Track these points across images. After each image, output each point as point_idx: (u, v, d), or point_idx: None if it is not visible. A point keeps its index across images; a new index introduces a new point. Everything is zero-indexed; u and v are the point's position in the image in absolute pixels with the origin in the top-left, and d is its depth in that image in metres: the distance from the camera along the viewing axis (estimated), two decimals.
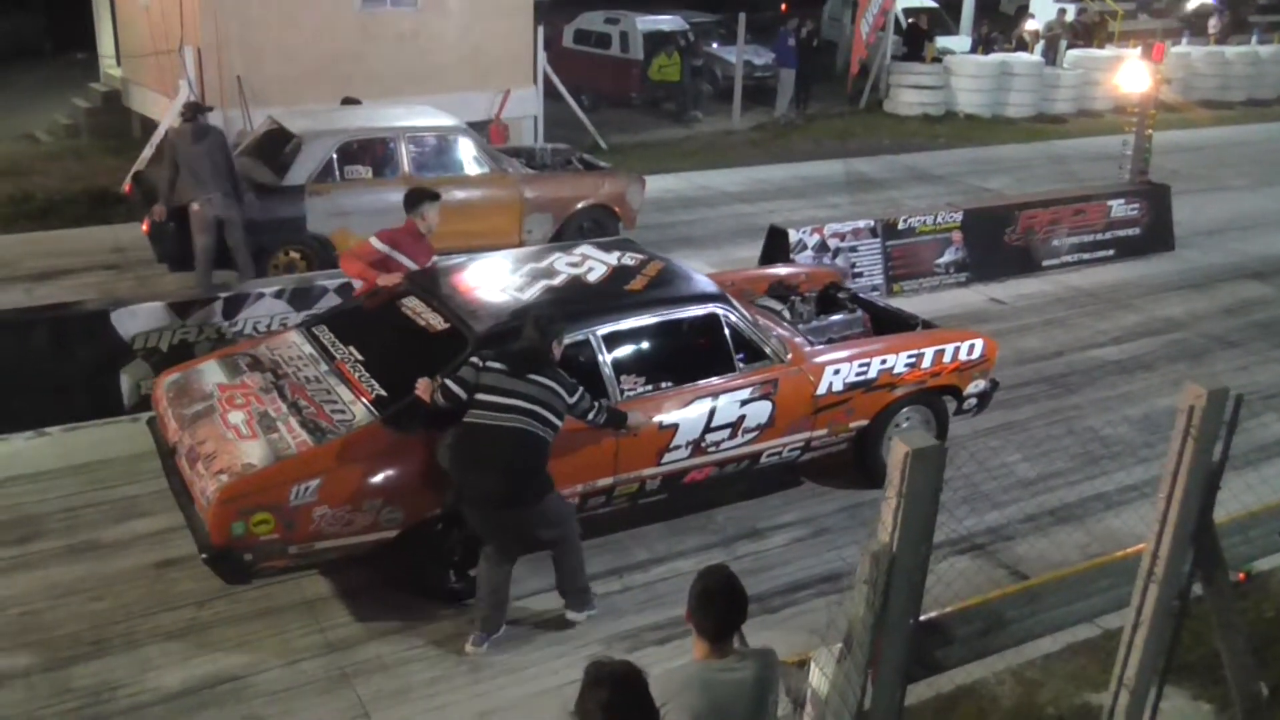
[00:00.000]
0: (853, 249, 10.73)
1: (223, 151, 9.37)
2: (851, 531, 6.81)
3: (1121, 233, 12.52)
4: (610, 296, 6.47)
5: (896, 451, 3.55)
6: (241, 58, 13.47)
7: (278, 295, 8.36)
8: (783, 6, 25.41)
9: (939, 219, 11.37)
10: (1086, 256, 12.29)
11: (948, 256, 11.39)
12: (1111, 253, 12.46)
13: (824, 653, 3.97)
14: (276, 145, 10.43)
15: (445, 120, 10.91)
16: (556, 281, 6.54)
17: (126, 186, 11.47)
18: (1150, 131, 12.89)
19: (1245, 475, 6.70)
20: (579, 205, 11.17)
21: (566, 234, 10.90)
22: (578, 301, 6.33)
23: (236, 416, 5.92)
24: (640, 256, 7.01)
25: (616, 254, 6.98)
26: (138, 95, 15.70)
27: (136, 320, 7.88)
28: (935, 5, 25.36)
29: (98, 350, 7.81)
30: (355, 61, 14.14)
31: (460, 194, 10.24)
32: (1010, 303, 11.06)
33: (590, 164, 12.15)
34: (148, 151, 12.92)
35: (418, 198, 7.25)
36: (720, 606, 3.55)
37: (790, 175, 15.97)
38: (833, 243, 10.65)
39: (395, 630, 5.81)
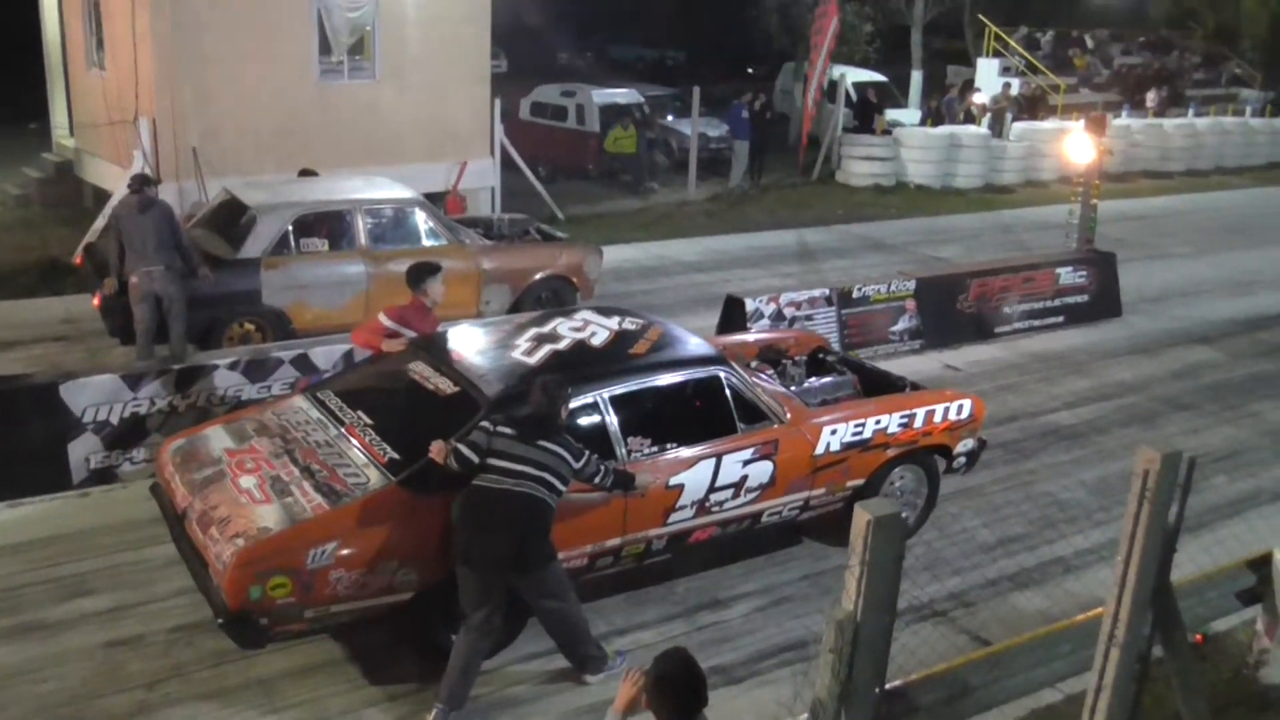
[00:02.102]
0: (808, 318, 10.83)
1: (168, 225, 9.24)
2: (813, 600, 6.78)
3: (1070, 299, 12.76)
4: (616, 360, 6.57)
5: (858, 519, 3.56)
6: (197, 128, 13.48)
7: (232, 367, 8.28)
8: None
9: (893, 287, 11.53)
10: (1037, 323, 12.49)
11: (902, 324, 11.53)
12: (1061, 319, 12.68)
13: None
14: (231, 217, 10.38)
15: (401, 192, 10.93)
16: (561, 346, 6.63)
17: (77, 258, 11.37)
18: (1095, 201, 13.21)
19: (1200, 537, 6.80)
20: (537, 276, 11.20)
21: (525, 305, 10.91)
22: (585, 365, 6.42)
23: (248, 481, 5.91)
24: (640, 321, 7.13)
25: (617, 319, 7.10)
26: (91, 165, 15.63)
27: (86, 393, 7.74)
28: (884, 79, 25.97)
29: (46, 424, 7.65)
30: (312, 133, 14.20)
31: None
32: (964, 369, 11.19)
33: (548, 234, 12.21)
34: (99, 222, 12.81)
35: (419, 274, 7.30)
36: (678, 693, 3.50)
37: (745, 245, 16.15)
38: (789, 311, 10.75)
39: (352, 708, 5.68)
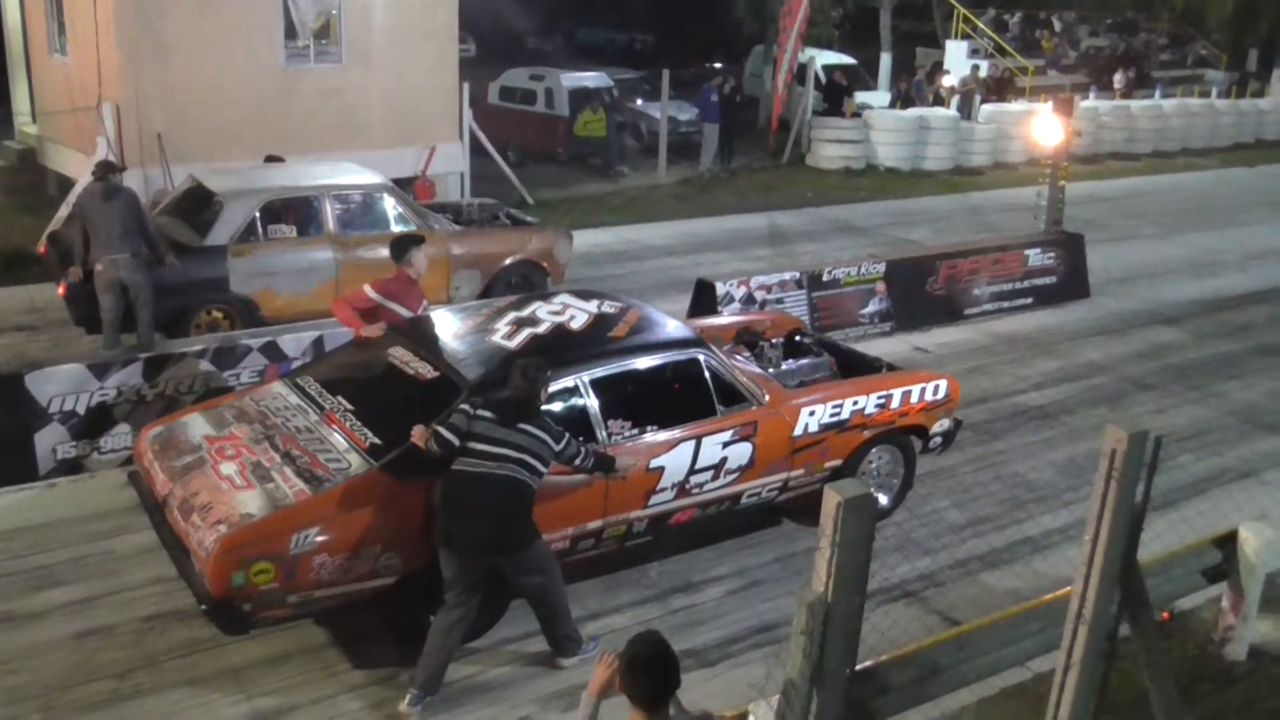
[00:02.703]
0: (779, 301, 10.85)
1: (134, 213, 9.09)
2: (785, 582, 6.82)
3: (1039, 281, 12.85)
4: (595, 343, 6.59)
5: (828, 501, 3.58)
6: (162, 114, 13.32)
7: (200, 355, 8.21)
8: None
9: (863, 270, 11.58)
10: (1006, 305, 12.58)
11: (872, 307, 11.58)
12: (1030, 301, 12.76)
13: (762, 705, 3.96)
14: (198, 204, 10.28)
15: (369, 178, 10.86)
16: (541, 329, 6.63)
17: (41, 246, 11.21)
18: (1063, 183, 13.28)
19: (1167, 516, 6.87)
20: (507, 261, 11.16)
21: (495, 290, 10.88)
22: (565, 349, 6.43)
23: (229, 467, 5.90)
24: (619, 304, 7.16)
25: (595, 302, 7.12)
26: (54, 153, 15.43)
27: (52, 383, 7.65)
28: (854, 62, 26.00)
29: (12, 414, 7.56)
30: (279, 118, 14.07)
31: (386, 252, 10.14)
32: (934, 351, 11.25)
33: (517, 219, 12.16)
34: (64, 210, 12.64)
35: (403, 246, 7.33)
36: (650, 675, 3.52)
37: (716, 228, 16.16)
38: (759, 295, 10.76)
39: (326, 697, 5.67)
